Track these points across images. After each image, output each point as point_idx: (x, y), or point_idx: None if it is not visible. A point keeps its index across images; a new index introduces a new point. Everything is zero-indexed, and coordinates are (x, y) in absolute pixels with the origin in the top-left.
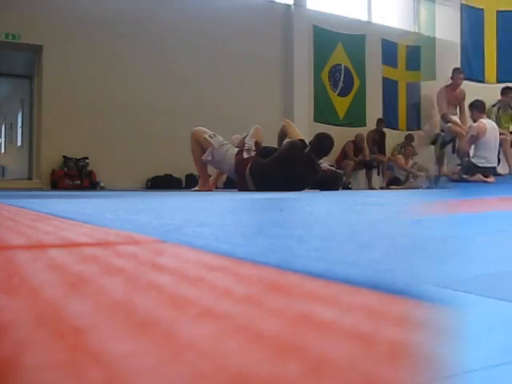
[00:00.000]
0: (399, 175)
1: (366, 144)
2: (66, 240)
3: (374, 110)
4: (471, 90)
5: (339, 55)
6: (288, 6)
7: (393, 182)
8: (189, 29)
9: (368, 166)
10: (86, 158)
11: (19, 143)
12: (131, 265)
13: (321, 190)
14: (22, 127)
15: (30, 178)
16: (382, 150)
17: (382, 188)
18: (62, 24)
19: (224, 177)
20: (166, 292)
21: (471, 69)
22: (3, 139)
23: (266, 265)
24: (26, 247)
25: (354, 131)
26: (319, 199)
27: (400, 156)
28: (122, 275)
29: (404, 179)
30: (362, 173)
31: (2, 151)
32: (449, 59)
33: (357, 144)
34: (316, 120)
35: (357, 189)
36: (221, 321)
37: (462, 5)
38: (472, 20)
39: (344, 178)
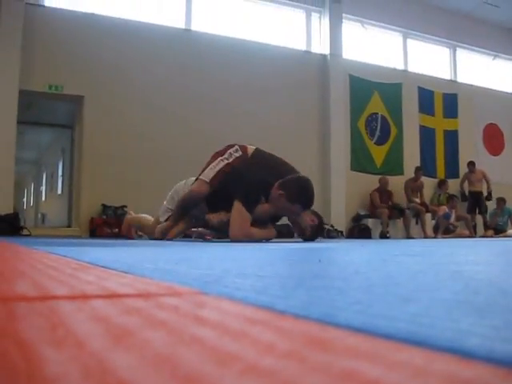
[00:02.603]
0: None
1: (387, 187)
2: (108, 290)
3: (412, 158)
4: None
5: (376, 104)
6: (324, 56)
7: (436, 231)
8: (227, 81)
9: (400, 211)
10: (125, 206)
11: (59, 191)
12: (173, 317)
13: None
14: (62, 176)
15: (69, 226)
16: (420, 199)
17: (434, 238)
18: (103, 74)
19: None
20: (209, 346)
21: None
22: (44, 187)
23: (308, 318)
24: (69, 297)
25: (392, 180)
26: (357, 249)
27: (444, 207)
28: (164, 328)
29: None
30: (400, 221)
31: (43, 199)
32: (487, 106)
33: (382, 190)
34: (353, 169)
35: (395, 237)
36: (266, 377)
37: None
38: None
39: (382, 227)
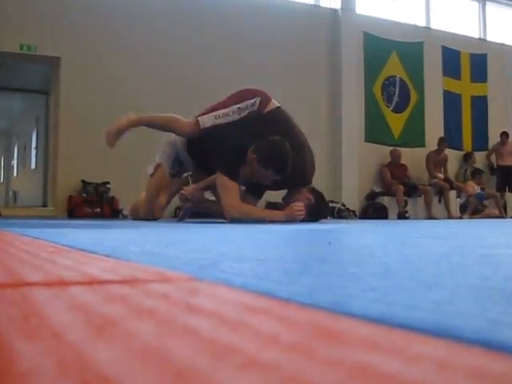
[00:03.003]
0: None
1: (400, 160)
2: (89, 276)
3: (434, 127)
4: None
5: (394, 66)
6: (335, 10)
7: (463, 210)
8: (227, 36)
9: (413, 189)
10: (107, 182)
11: (33, 166)
12: (163, 306)
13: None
14: (36, 148)
15: (44, 205)
16: (444, 174)
17: (460, 218)
18: (82, 35)
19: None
20: (203, 337)
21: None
22: (16, 161)
23: (315, 307)
24: (44, 284)
25: (411, 153)
26: (372, 230)
27: (471, 183)
28: (153, 317)
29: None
30: (421, 199)
31: (15, 175)
32: None
33: (394, 164)
34: (367, 140)
35: (415, 218)
36: (267, 372)
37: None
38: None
39: (398, 207)
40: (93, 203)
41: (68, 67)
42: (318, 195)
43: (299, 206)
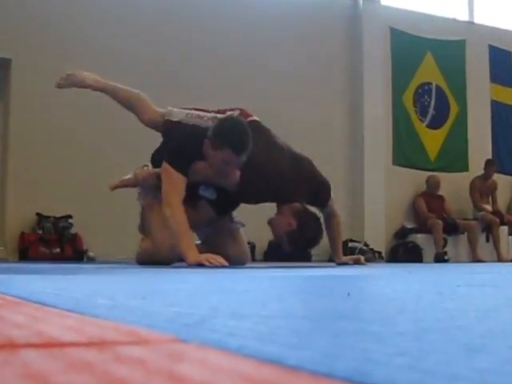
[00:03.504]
0: None
1: (437, 190)
2: (46, 337)
3: (480, 147)
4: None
5: (428, 69)
6: (355, 1)
7: None
8: (226, 28)
9: (453, 227)
10: (70, 216)
11: None
12: (139, 375)
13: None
14: None
15: None
16: (492, 206)
17: None
18: (37, 33)
19: None
20: None
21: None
22: None
23: (332, 377)
24: None
25: (451, 179)
26: (403, 277)
27: None
28: None
29: None
30: (464, 237)
31: None
32: None
33: (430, 194)
34: (397, 163)
35: (457, 260)
36: None
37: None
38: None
39: (436, 249)
40: (51, 242)
41: (20, 71)
42: (305, 220)
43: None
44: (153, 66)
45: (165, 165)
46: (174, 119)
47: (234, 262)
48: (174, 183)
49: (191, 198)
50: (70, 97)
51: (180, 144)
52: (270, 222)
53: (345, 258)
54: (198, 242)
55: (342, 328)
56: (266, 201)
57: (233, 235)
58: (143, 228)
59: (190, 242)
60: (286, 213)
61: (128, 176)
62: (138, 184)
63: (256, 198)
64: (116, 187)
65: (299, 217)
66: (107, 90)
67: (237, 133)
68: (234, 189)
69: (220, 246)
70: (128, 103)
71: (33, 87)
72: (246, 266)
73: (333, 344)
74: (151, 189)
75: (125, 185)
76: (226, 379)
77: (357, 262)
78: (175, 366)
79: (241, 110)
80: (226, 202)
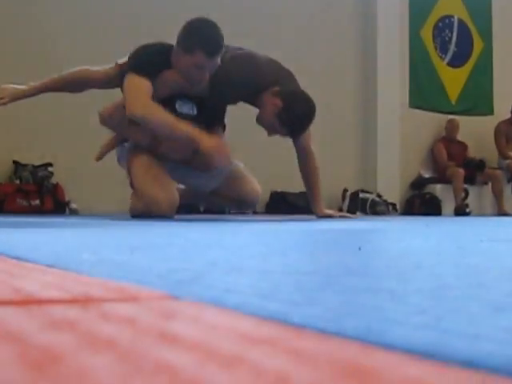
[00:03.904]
0: None
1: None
2: (24, 294)
3: (507, 88)
4: None
5: (450, 1)
6: None
7: None
8: None
9: (478, 167)
10: (50, 164)
11: None
12: (127, 334)
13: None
14: None
15: None
16: None
17: None
18: None
19: None
20: (183, 379)
21: None
22: None
23: (341, 336)
24: None
25: (475, 122)
26: (419, 231)
27: None
28: (113, 351)
29: None
30: (488, 188)
31: None
32: None
33: (450, 140)
34: (413, 105)
35: (479, 213)
36: None
37: None
38: None
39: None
40: (29, 193)
41: None
42: (289, 94)
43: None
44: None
45: (127, 76)
46: (124, 60)
47: (243, 202)
48: (139, 89)
49: None
50: (55, 38)
51: (144, 52)
52: (257, 119)
53: (328, 211)
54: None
55: (353, 284)
56: (242, 98)
57: (233, 174)
58: (134, 186)
59: (184, 125)
60: (266, 100)
61: (103, 144)
62: (108, 124)
63: (233, 95)
64: (102, 155)
65: (282, 94)
66: (42, 90)
67: (208, 33)
68: (206, 92)
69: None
70: (76, 82)
71: (5, 26)
72: (247, 218)
73: (342, 301)
74: (123, 122)
75: (109, 148)
76: (224, 338)
77: (343, 216)
78: (166, 324)
79: None
80: (209, 114)
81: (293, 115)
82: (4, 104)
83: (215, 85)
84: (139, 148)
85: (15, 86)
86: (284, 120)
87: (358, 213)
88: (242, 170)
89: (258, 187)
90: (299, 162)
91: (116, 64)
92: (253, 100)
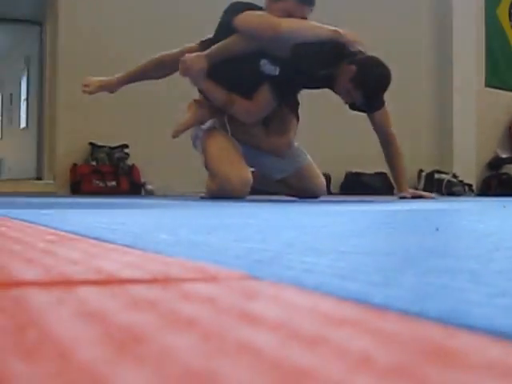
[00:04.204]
0: None
1: None
2: (104, 273)
3: None
4: None
5: None
6: None
7: None
8: None
9: None
10: (125, 145)
11: (23, 124)
12: (208, 314)
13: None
14: (27, 100)
15: (39, 178)
16: None
17: None
18: None
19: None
20: (266, 359)
21: None
22: None
23: (422, 317)
24: (43, 284)
25: None
26: (497, 212)
27: None
28: (195, 330)
29: None
30: None
31: None
32: None
33: None
34: (489, 84)
35: None
36: None
37: None
38: None
39: None
40: (105, 174)
41: None
42: (364, 59)
43: None
44: None
45: (238, 16)
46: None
47: (309, 194)
48: (260, 15)
49: (250, 83)
50: (124, 17)
51: (239, 3)
52: (335, 89)
53: (411, 191)
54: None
55: (433, 265)
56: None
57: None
58: (208, 166)
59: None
60: (343, 67)
61: (182, 121)
62: (188, 73)
63: (317, 60)
64: (178, 133)
65: (357, 60)
66: (125, 81)
67: None
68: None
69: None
70: (159, 67)
71: (85, 6)
72: (321, 199)
73: (423, 282)
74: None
75: (186, 126)
76: (305, 318)
77: (419, 196)
78: (247, 304)
79: None
80: (288, 80)
81: (367, 77)
82: (90, 93)
83: (299, 48)
84: (215, 129)
85: (100, 78)
86: (358, 82)
87: (433, 194)
88: (312, 165)
89: (324, 182)
90: (382, 145)
91: (200, 42)
92: (331, 70)
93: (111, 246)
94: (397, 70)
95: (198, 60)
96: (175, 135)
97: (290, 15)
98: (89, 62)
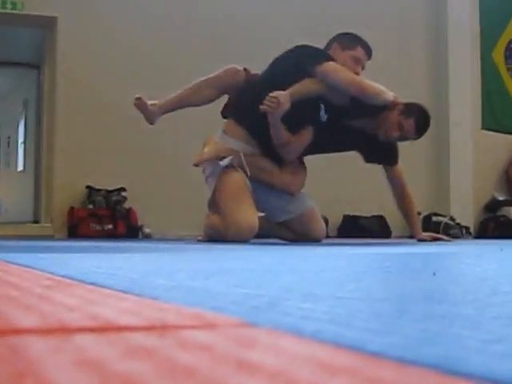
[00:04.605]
0: None
1: None
2: (100, 320)
3: None
4: None
5: None
6: None
7: None
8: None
9: None
10: (123, 189)
11: (20, 167)
12: (205, 363)
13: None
14: (24, 143)
15: (36, 221)
16: None
17: None
18: None
19: None
20: None
21: None
22: None
23: (419, 364)
24: (40, 331)
25: None
26: (494, 255)
27: None
28: (192, 379)
29: None
30: None
31: None
32: None
33: None
34: (486, 127)
35: None
36: None
37: None
38: None
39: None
40: (102, 218)
41: (68, 31)
42: (414, 107)
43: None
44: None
45: (325, 64)
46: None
47: (309, 239)
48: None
49: (301, 123)
50: (122, 62)
51: (310, 47)
52: (381, 133)
53: (425, 235)
54: (261, 214)
55: (429, 311)
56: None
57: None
58: (212, 204)
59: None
60: (388, 111)
61: (206, 150)
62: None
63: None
64: (201, 162)
65: (408, 108)
66: (168, 108)
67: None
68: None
69: (295, 222)
70: (200, 90)
71: (82, 51)
72: (319, 243)
73: (419, 329)
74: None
75: (209, 156)
76: (302, 367)
77: (437, 239)
78: (245, 352)
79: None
80: (332, 128)
81: (415, 107)
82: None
83: (356, 100)
84: (233, 168)
85: (152, 101)
86: (409, 111)
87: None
88: (316, 210)
89: (324, 226)
90: (396, 195)
91: (243, 69)
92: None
93: (108, 291)
94: None
95: (286, 98)
96: (197, 163)
97: (358, 63)
98: (86, 106)
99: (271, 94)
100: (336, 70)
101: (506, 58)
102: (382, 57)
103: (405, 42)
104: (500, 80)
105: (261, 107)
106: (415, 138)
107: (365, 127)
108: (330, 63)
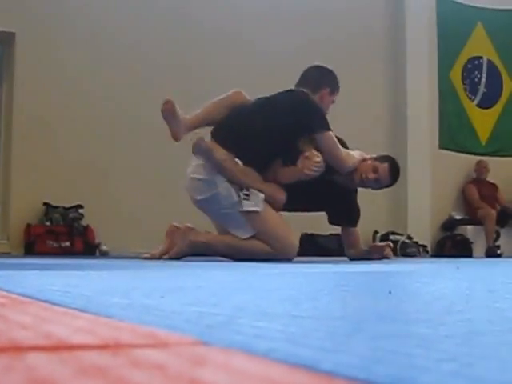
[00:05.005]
0: None
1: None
2: (54, 339)
3: None
4: None
5: (479, 42)
6: None
7: None
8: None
9: (506, 218)
10: (80, 206)
11: None
12: (158, 382)
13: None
14: None
15: None
16: None
17: None
18: (45, 2)
19: None
20: None
21: None
22: None
23: (371, 383)
24: None
25: (505, 164)
26: (450, 274)
27: None
28: None
29: None
30: None
31: None
32: None
33: (480, 181)
34: (443, 146)
35: (511, 256)
36: None
37: None
38: None
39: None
40: (60, 235)
41: (26, 47)
42: (386, 156)
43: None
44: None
45: (326, 133)
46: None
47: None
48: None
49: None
50: (82, 77)
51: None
52: (353, 180)
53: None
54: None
55: (383, 330)
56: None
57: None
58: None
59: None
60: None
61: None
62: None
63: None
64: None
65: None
66: (195, 125)
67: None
68: None
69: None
70: (214, 110)
71: (41, 66)
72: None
73: (372, 347)
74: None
75: (206, 145)
76: None
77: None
78: (197, 371)
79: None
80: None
81: (387, 157)
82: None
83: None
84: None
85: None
86: (383, 159)
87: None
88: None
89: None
90: (347, 244)
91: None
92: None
93: (63, 309)
94: (352, 134)
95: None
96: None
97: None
98: (43, 122)
99: (316, 159)
100: (333, 145)
101: (464, 78)
102: (343, 80)
103: (364, 64)
104: (457, 100)
105: (308, 173)
106: (387, 185)
107: (343, 180)
108: (331, 134)
